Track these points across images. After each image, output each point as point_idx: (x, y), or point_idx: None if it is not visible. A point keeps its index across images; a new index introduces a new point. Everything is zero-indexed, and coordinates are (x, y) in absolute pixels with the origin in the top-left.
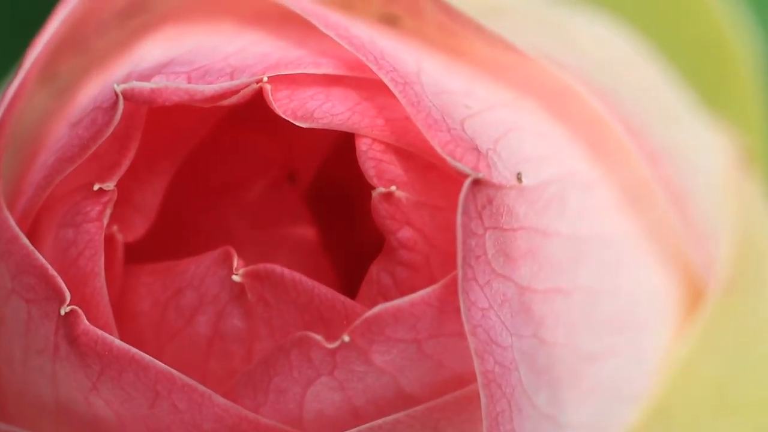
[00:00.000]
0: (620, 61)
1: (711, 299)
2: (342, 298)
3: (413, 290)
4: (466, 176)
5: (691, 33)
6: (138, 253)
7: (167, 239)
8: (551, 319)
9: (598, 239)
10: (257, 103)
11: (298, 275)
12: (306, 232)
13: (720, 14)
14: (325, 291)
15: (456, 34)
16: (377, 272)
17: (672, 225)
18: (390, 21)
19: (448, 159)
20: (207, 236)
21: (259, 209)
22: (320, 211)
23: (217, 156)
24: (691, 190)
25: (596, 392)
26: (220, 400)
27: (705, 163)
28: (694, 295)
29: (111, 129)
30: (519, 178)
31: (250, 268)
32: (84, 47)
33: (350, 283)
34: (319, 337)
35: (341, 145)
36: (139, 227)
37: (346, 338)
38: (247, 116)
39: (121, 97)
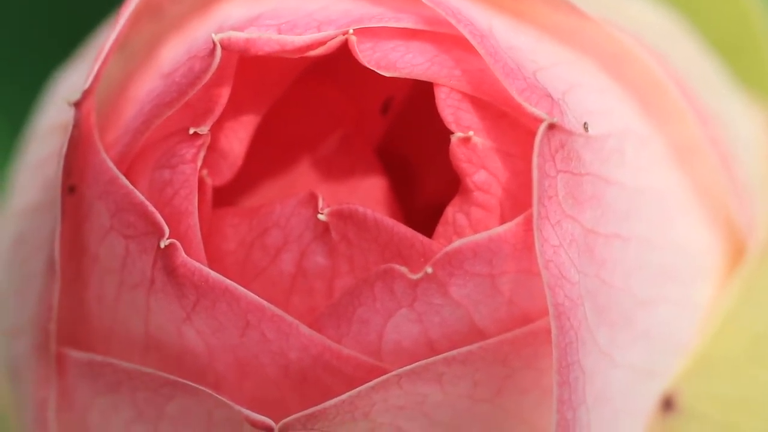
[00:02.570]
0: (666, 32)
1: (752, 257)
2: (420, 236)
3: (487, 230)
4: (541, 120)
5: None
6: (221, 195)
7: (247, 186)
8: (611, 262)
9: (652, 191)
10: (333, 60)
11: (379, 215)
12: (374, 184)
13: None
14: (404, 230)
15: None
16: (453, 213)
17: (718, 183)
18: None
19: (525, 105)
20: (284, 186)
21: (331, 162)
22: (390, 169)
23: (293, 110)
24: (735, 153)
25: (647, 337)
26: (306, 330)
27: (743, 130)
28: (736, 252)
29: (209, 75)
30: (585, 127)
31: (335, 207)
32: (158, 15)
33: (416, 230)
34: (403, 269)
35: (407, 108)
36: (226, 173)
37: (429, 270)
38: (322, 74)
39: (218, 45)
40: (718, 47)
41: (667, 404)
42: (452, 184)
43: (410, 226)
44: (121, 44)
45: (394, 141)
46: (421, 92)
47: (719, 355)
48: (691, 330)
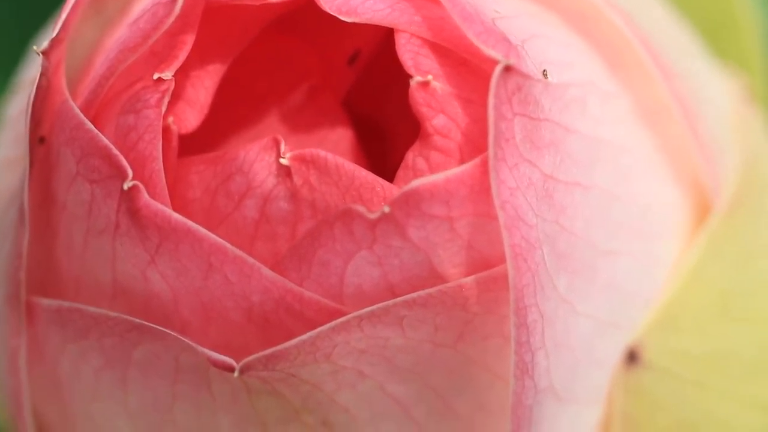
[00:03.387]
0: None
1: (717, 215)
2: (381, 180)
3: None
4: (497, 62)
5: None
6: (188, 148)
7: (214, 137)
8: (571, 209)
9: (616, 145)
10: (299, 12)
11: (340, 159)
12: (341, 135)
13: None
14: (365, 174)
15: None
16: (413, 157)
17: (684, 142)
18: None
19: (482, 47)
20: (250, 137)
21: (299, 114)
22: (357, 119)
23: (261, 63)
24: (702, 113)
25: (610, 289)
26: (268, 272)
27: (713, 93)
28: (702, 211)
29: (171, 19)
30: (545, 74)
31: (297, 152)
32: None
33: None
34: (361, 209)
35: (372, 63)
36: (192, 121)
37: (386, 209)
38: (289, 26)
39: None
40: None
41: (631, 357)
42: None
43: (381, 172)
44: (98, 8)
45: (362, 95)
46: (390, 47)
47: (685, 310)
48: (656, 285)
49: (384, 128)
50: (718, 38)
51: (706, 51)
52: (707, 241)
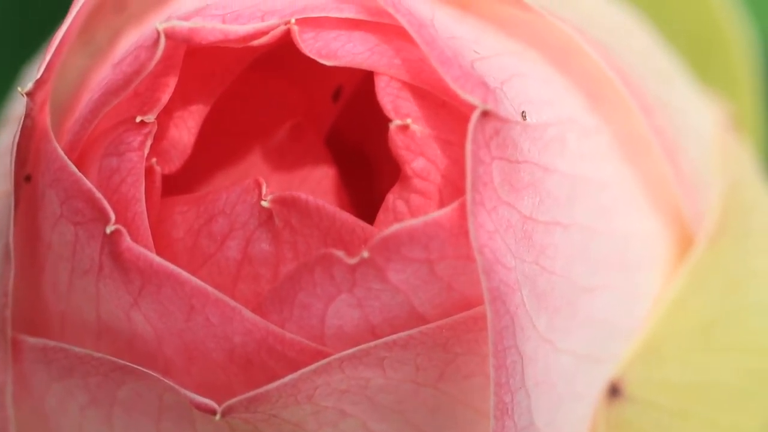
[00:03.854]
0: (619, 26)
1: (699, 246)
2: (361, 223)
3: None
4: (475, 107)
5: (685, 13)
6: (172, 188)
7: (198, 177)
8: (551, 249)
9: (595, 181)
10: (282, 51)
11: (321, 202)
12: (325, 173)
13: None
14: (345, 216)
15: None
16: (393, 200)
17: (665, 175)
18: None
19: (459, 92)
20: (234, 176)
21: (282, 152)
22: (337, 156)
23: (244, 101)
24: (683, 144)
25: (591, 324)
26: (249, 314)
27: (696, 122)
28: (684, 242)
29: (153, 64)
30: (523, 115)
31: (278, 194)
32: (122, 8)
33: (365, 218)
34: (340, 254)
35: (357, 100)
36: (175, 161)
37: (365, 254)
38: (272, 65)
39: (162, 35)
40: (686, 47)
41: (613, 391)
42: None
43: (361, 215)
44: (87, 39)
45: (344, 131)
46: (371, 83)
47: (666, 342)
48: (638, 318)
49: (366, 156)
50: (706, 59)
51: (692, 76)
52: (689, 273)
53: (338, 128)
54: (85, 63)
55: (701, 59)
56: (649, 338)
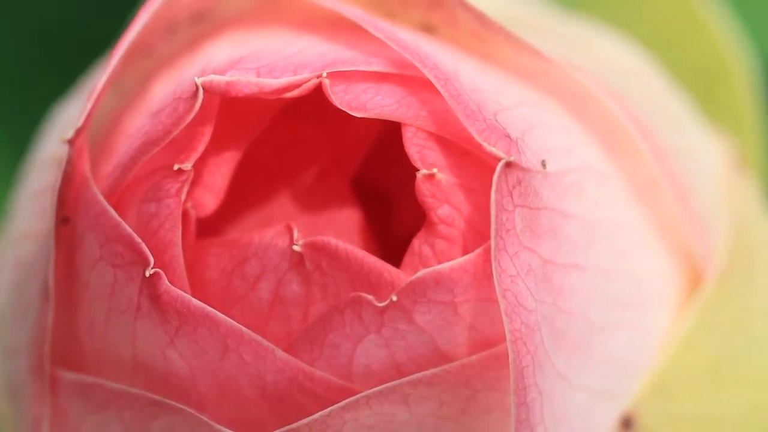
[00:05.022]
0: (630, 71)
1: (708, 285)
2: (388, 266)
3: (450, 260)
4: (499, 159)
5: (691, 49)
6: (203, 228)
7: (228, 218)
8: (569, 290)
9: (611, 224)
10: (311, 99)
11: (350, 246)
12: (350, 215)
13: (718, 32)
14: (373, 260)
15: (487, 41)
16: (419, 245)
17: (676, 216)
18: (427, 29)
19: (485, 144)
20: (264, 217)
21: (309, 195)
22: (364, 200)
23: (272, 147)
24: (693, 185)
25: (605, 361)
26: (281, 353)
27: (704, 164)
28: (693, 280)
29: (191, 116)
30: (543, 164)
31: (309, 239)
32: (150, 52)
33: (390, 260)
34: (370, 297)
35: (381, 142)
36: (209, 205)
37: (394, 298)
38: (301, 111)
39: (201, 88)
40: (690, 82)
41: (626, 424)
42: (424, 214)
43: (385, 255)
44: (115, 81)
45: (369, 175)
46: (396, 127)
47: (677, 377)
48: (649, 355)
49: (391, 199)
50: (711, 95)
51: (698, 114)
52: (698, 310)
53: (363, 173)
54: (113, 104)
55: (705, 92)
56: (660, 373)
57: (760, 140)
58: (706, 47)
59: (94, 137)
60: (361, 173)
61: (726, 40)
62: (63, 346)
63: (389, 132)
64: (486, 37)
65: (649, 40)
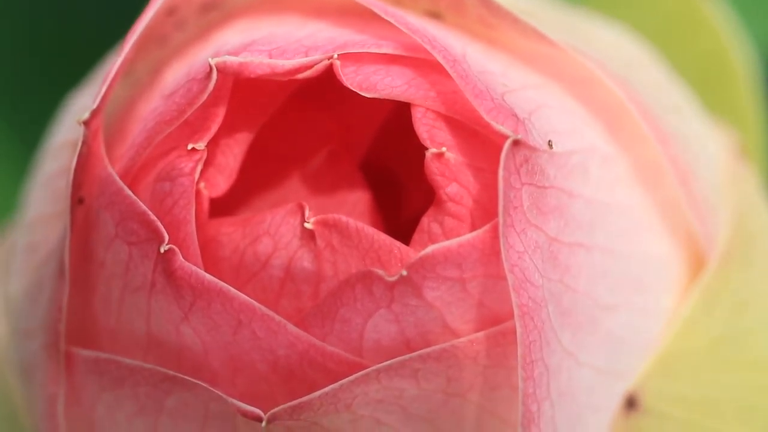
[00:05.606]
0: (632, 59)
1: (710, 268)
2: (398, 243)
3: (458, 237)
4: (507, 137)
5: (693, 44)
6: (216, 208)
7: (239, 199)
8: (575, 268)
9: (615, 206)
10: (321, 82)
11: (361, 224)
12: (359, 197)
13: (720, 27)
14: (383, 237)
15: (493, 26)
16: (428, 222)
17: (678, 200)
18: (435, 16)
19: (492, 123)
20: (275, 199)
21: (319, 177)
22: (373, 182)
23: (285, 129)
24: (695, 171)
25: (610, 340)
26: (293, 328)
27: (705, 150)
28: (696, 263)
29: (205, 96)
30: (550, 144)
31: (320, 217)
32: (163, 42)
33: (396, 236)
34: (381, 272)
35: (389, 124)
36: (221, 185)
37: (404, 272)
38: (311, 94)
39: (215, 69)
40: (693, 76)
41: (630, 403)
42: (432, 196)
43: (394, 235)
44: (127, 70)
45: (379, 156)
46: (404, 111)
47: (680, 357)
48: (654, 335)
49: (400, 181)
50: (714, 89)
51: (701, 106)
52: (700, 293)
53: (373, 154)
54: (125, 92)
55: (707, 86)
56: (663, 354)
57: (761, 136)
58: (708, 42)
59: (107, 124)
60: (369, 155)
61: (728, 35)
62: (78, 325)
63: (397, 115)
64: (492, 23)
65: (652, 35)
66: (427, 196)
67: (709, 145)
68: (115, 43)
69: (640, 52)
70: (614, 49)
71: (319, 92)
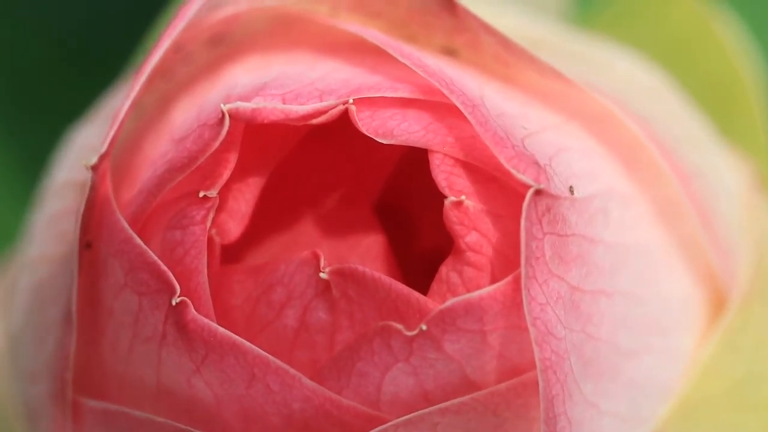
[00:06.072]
0: (648, 90)
1: (732, 307)
2: (416, 294)
3: (478, 288)
4: (529, 187)
5: (705, 67)
6: (230, 254)
7: (251, 243)
8: (597, 317)
9: (636, 249)
10: (334, 123)
11: (377, 274)
12: (374, 240)
13: (732, 49)
14: (401, 287)
15: (509, 64)
16: (447, 272)
17: (699, 238)
18: (449, 53)
19: (514, 172)
20: (288, 242)
21: (333, 220)
22: (386, 222)
23: (297, 172)
24: (715, 208)
25: (632, 386)
26: (308, 382)
27: (723, 183)
28: (717, 303)
29: (218, 143)
30: (571, 190)
31: (336, 266)
32: (170, 75)
33: (412, 281)
34: (399, 326)
35: (401, 164)
36: (233, 231)
37: (424, 327)
38: (324, 136)
39: (227, 115)
40: (707, 102)
41: None
42: (448, 236)
43: (408, 277)
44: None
45: (392, 198)
46: (417, 151)
47: (701, 400)
48: (675, 378)
49: (414, 222)
50: (724, 109)
51: (715, 132)
52: (722, 334)
53: (386, 196)
54: (132, 125)
55: (720, 109)
56: (684, 397)
57: None
58: (718, 61)
59: (113, 158)
60: (383, 196)
61: (739, 54)
62: (84, 373)
63: (409, 155)
64: (509, 61)
65: (661, 54)
66: (440, 233)
67: (726, 177)
68: (118, 70)
69: (655, 80)
70: (629, 79)
71: (332, 134)
